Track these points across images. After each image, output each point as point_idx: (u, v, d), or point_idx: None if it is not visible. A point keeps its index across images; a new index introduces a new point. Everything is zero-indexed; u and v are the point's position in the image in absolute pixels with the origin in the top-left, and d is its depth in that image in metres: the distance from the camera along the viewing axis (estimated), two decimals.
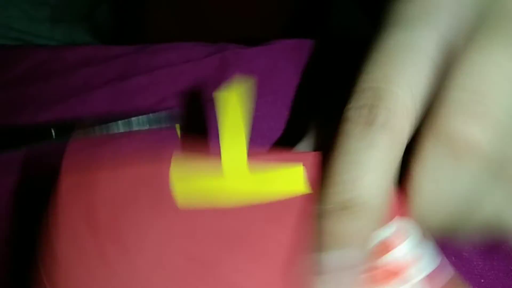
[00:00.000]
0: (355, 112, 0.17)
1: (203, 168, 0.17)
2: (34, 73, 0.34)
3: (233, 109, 0.19)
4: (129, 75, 0.34)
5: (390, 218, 0.18)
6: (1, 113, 0.31)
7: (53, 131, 0.28)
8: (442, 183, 0.17)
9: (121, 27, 0.53)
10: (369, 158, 0.17)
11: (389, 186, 0.17)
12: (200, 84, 0.33)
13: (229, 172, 0.18)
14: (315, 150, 0.20)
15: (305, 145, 0.22)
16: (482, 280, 0.24)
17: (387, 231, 0.17)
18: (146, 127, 0.25)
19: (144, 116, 0.24)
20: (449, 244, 0.25)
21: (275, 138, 0.31)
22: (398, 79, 0.17)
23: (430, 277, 0.17)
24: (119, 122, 0.25)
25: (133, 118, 0.24)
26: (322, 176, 0.18)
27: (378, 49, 0.18)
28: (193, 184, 0.17)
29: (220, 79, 0.33)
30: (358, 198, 0.17)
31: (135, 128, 0.25)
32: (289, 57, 0.34)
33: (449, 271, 0.17)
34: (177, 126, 0.21)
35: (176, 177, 0.17)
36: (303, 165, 0.18)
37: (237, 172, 0.18)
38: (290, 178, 0.18)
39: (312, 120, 0.22)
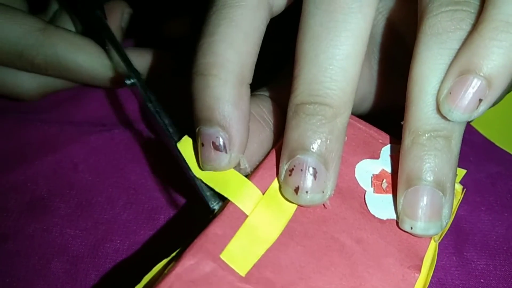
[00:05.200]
0: None
1: None
2: None
3: None
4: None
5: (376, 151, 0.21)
6: None
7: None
8: None
9: None
10: (226, 32, 0.19)
11: (249, 57, 0.19)
12: None
13: None
14: None
15: None
16: (482, 280, 0.23)
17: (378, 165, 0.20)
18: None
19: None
20: (450, 245, 0.25)
21: None
22: None
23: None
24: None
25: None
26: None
27: None
28: None
29: None
30: (214, 63, 0.18)
31: None
32: None
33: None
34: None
35: None
36: None
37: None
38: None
39: None
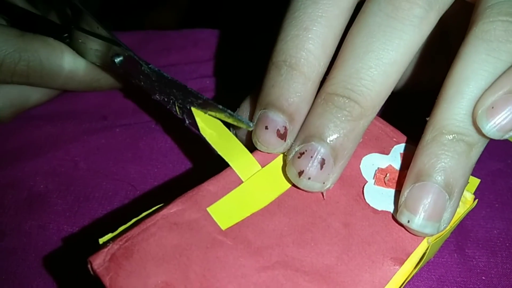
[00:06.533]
0: None
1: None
2: None
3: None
4: None
5: (387, 147, 0.21)
6: None
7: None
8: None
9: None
10: (322, 32, 0.19)
11: (331, 58, 0.19)
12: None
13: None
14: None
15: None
16: (484, 277, 0.23)
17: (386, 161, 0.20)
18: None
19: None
20: (451, 242, 0.24)
21: None
22: None
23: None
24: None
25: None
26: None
27: None
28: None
29: None
30: (300, 59, 0.19)
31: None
32: None
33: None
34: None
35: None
36: None
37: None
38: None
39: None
